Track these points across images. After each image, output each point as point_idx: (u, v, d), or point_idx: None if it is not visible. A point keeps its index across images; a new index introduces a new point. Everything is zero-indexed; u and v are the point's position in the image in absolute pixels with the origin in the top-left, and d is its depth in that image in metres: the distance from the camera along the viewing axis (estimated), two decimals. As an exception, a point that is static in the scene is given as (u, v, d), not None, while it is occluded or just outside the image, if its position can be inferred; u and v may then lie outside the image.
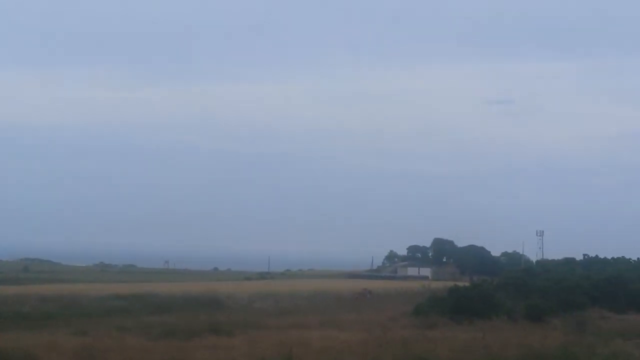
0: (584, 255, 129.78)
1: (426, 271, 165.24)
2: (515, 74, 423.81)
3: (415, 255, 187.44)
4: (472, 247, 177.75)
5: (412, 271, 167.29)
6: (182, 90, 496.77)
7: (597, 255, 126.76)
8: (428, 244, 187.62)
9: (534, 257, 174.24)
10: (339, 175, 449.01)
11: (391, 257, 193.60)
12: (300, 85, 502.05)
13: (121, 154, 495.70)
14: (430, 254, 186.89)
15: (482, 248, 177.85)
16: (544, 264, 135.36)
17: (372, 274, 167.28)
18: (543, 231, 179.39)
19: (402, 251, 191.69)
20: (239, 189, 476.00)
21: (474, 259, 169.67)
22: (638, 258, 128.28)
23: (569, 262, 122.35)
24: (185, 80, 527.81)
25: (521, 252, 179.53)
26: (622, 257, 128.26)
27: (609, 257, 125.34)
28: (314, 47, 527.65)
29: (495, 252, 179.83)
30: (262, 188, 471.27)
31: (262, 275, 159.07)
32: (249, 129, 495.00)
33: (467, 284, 79.96)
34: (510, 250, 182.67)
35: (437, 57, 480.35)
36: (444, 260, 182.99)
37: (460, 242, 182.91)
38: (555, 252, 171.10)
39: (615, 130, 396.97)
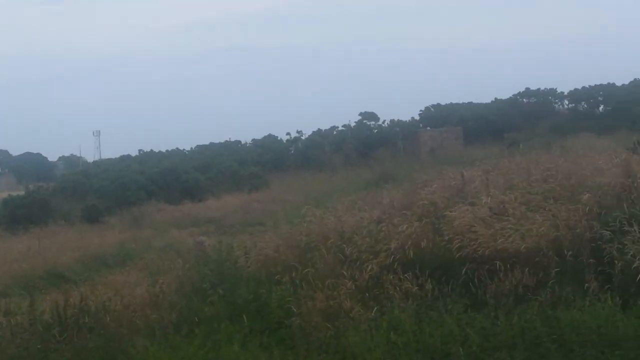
0: (140, 150, 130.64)
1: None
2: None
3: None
4: (27, 155, 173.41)
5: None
6: None
7: (152, 150, 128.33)
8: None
9: (92, 158, 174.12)
10: None
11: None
12: None
13: None
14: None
15: (39, 154, 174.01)
16: (101, 164, 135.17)
17: None
18: (100, 131, 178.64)
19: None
20: None
21: (31, 167, 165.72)
22: (191, 148, 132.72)
23: (124, 159, 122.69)
24: None
25: (79, 155, 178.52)
26: (177, 148, 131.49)
27: (164, 150, 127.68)
28: None
29: (53, 157, 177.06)
30: None
31: None
32: None
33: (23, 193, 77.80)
34: (67, 154, 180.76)
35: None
36: (0, 171, 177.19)
37: (16, 151, 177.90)
38: (114, 151, 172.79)
39: (170, 22, 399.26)
